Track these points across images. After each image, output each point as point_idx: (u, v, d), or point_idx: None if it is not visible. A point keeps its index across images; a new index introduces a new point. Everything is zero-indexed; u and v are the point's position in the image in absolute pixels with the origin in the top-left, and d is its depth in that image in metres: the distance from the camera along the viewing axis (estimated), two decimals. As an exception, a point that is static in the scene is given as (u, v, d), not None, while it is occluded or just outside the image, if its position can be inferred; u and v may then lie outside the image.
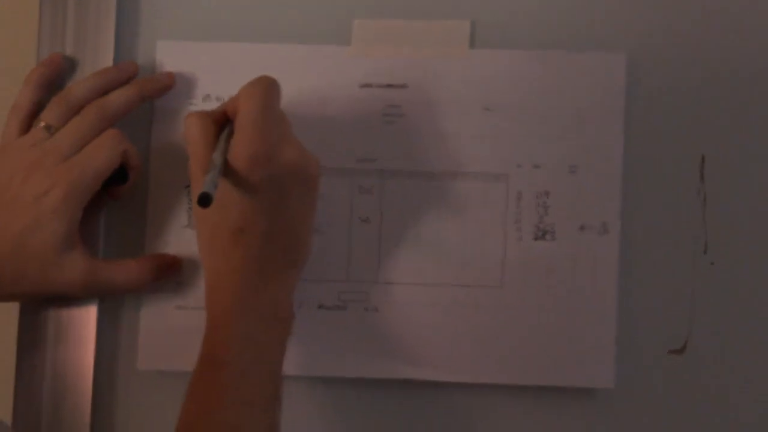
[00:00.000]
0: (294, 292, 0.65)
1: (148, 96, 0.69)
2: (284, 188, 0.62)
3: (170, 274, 0.69)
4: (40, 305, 0.69)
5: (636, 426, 0.70)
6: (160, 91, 0.70)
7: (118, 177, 0.68)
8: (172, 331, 0.69)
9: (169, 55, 0.70)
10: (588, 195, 0.69)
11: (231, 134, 0.62)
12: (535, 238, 0.69)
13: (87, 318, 0.69)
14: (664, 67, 0.70)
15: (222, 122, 0.64)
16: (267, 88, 0.62)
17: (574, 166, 0.69)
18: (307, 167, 0.63)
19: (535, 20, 0.70)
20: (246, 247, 0.61)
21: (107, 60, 0.70)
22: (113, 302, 0.70)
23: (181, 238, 0.70)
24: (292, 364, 0.68)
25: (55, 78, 0.70)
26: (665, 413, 0.70)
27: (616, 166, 0.69)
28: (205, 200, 0.56)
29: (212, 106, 0.68)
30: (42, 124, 0.66)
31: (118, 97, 0.68)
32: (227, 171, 0.60)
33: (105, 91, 0.68)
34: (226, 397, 0.60)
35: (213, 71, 0.70)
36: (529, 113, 0.69)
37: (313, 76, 0.70)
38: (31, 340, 0.69)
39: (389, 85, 0.70)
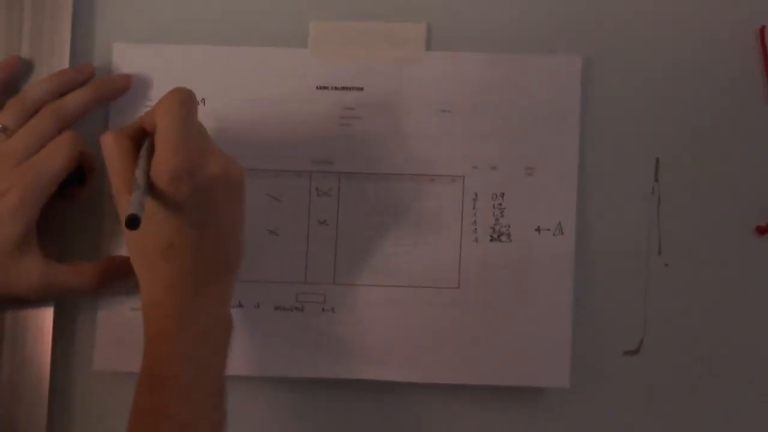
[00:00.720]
0: (231, 299, 0.65)
1: (105, 98, 0.69)
2: (211, 199, 0.61)
3: (126, 277, 0.69)
4: (-3, 307, 0.69)
5: (591, 426, 0.70)
6: (117, 93, 0.70)
7: (74, 179, 0.67)
8: (129, 333, 0.69)
9: (126, 58, 0.70)
10: (544, 196, 0.69)
11: (151, 150, 0.61)
12: (491, 240, 0.70)
13: (43, 319, 0.69)
14: (620, 70, 0.71)
15: (140, 138, 0.63)
16: (183, 101, 0.61)
17: (530, 167, 0.70)
18: (232, 174, 0.62)
19: (491, 23, 0.71)
20: (178, 262, 0.61)
21: (63, 62, 0.70)
22: (69, 303, 0.70)
23: (138, 240, 0.69)
24: (248, 364, 0.69)
25: (10, 80, 0.69)
26: (620, 413, 0.70)
27: (571, 168, 0.70)
28: (133, 222, 0.55)
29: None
30: (-2, 126, 0.66)
31: (74, 99, 0.68)
32: (151, 189, 0.59)
33: (61, 93, 0.68)
34: (171, 413, 0.60)
35: (169, 73, 0.70)
36: (485, 115, 0.70)
37: (269, 78, 0.70)
38: (-13, 342, 0.69)
39: (346, 88, 0.70)
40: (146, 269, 0.62)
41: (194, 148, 0.60)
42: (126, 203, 0.59)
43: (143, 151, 0.61)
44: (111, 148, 0.62)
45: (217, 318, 0.63)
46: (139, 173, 0.59)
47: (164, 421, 0.60)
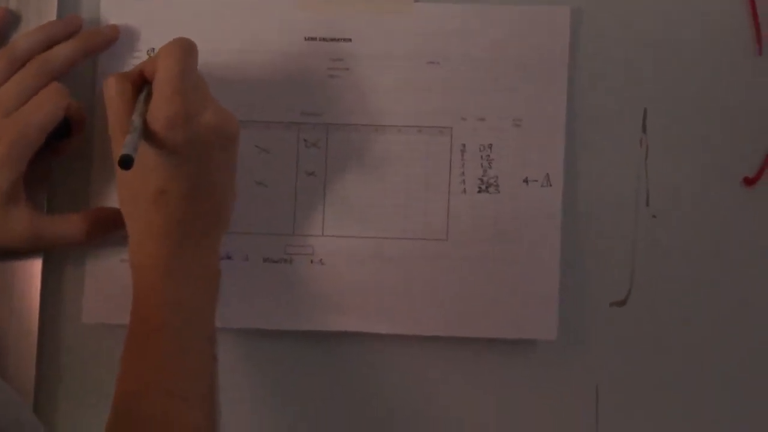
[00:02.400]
0: (219, 250, 0.65)
1: (92, 50, 0.69)
2: (204, 149, 0.61)
3: (114, 228, 0.69)
4: (-15, 258, 0.69)
5: (577, 378, 0.70)
6: (104, 44, 0.69)
7: (62, 131, 0.67)
8: (117, 285, 0.69)
9: (113, 9, 0.70)
10: (532, 148, 0.69)
11: (149, 96, 0.61)
12: (479, 191, 0.70)
13: (32, 271, 0.69)
14: (608, 21, 0.71)
15: (140, 83, 0.63)
16: (184, 50, 0.61)
17: (518, 119, 0.70)
18: (227, 127, 0.62)
19: (479, -26, 0.70)
20: (168, 209, 0.61)
21: (51, 14, 0.70)
22: (58, 255, 0.70)
23: (127, 192, 0.69)
24: (236, 317, 0.69)
25: (-2, 33, 0.69)
26: (607, 365, 0.70)
27: (559, 120, 0.69)
28: (126, 162, 0.56)
29: (157, 59, 0.68)
30: (-16, 78, 0.66)
31: (61, 51, 0.67)
32: (146, 133, 0.60)
33: (49, 46, 0.68)
34: (163, 361, 0.61)
35: (157, 24, 0.70)
36: (473, 67, 0.70)
37: (257, 28, 0.70)
38: (-24, 294, 0.69)
39: (334, 39, 0.70)
40: (136, 216, 0.62)
41: (191, 96, 0.61)
42: (120, 145, 0.59)
43: (141, 96, 0.62)
44: (112, 90, 0.62)
45: (205, 268, 0.64)
46: (135, 116, 0.60)
47: (154, 369, 0.61)
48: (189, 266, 0.62)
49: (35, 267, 0.69)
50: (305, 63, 0.70)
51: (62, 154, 0.69)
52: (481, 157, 0.69)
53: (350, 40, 0.70)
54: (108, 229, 0.69)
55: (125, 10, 0.70)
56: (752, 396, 0.70)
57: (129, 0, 0.70)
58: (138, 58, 0.70)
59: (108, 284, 0.69)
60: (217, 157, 0.63)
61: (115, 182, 0.68)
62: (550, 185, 0.69)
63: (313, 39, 0.70)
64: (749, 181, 0.70)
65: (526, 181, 0.69)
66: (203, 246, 0.63)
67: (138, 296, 0.62)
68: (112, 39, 0.70)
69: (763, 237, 0.70)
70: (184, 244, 0.62)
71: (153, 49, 0.70)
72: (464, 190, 0.69)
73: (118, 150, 0.60)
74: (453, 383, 0.70)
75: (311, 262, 0.70)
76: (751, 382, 0.70)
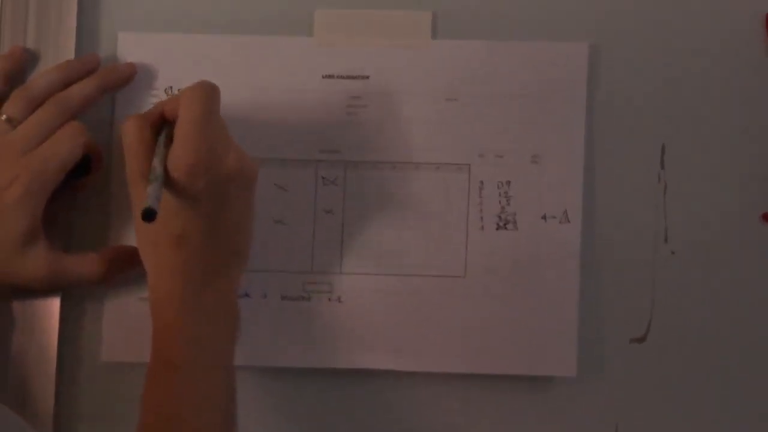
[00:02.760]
0: (238, 289, 0.65)
1: (110, 88, 0.69)
2: (224, 193, 0.62)
3: (133, 266, 0.69)
4: (3, 297, 0.69)
5: (598, 414, 0.70)
6: (122, 82, 0.70)
7: (81, 169, 0.68)
8: (136, 323, 0.69)
9: (131, 47, 0.70)
10: (550, 184, 0.69)
11: (169, 139, 0.61)
12: (498, 228, 0.69)
13: (50, 309, 0.69)
14: (626, 57, 0.71)
15: (158, 124, 0.63)
16: (207, 95, 0.61)
17: (536, 155, 0.69)
18: (247, 171, 0.63)
19: (496, 10, 0.71)
20: (187, 251, 0.62)
21: (69, 52, 0.70)
22: (76, 294, 0.70)
23: (145, 230, 0.69)
24: (254, 354, 0.69)
25: (16, 71, 0.69)
26: (627, 401, 0.70)
27: (577, 156, 0.69)
28: (149, 215, 0.56)
29: (175, 97, 0.69)
30: (3, 117, 0.66)
31: (79, 90, 0.68)
32: (167, 179, 0.60)
33: (66, 84, 0.68)
34: (183, 400, 0.61)
35: (175, 62, 0.70)
36: (491, 103, 0.70)
37: (275, 67, 0.70)
38: (-5, 332, 0.69)
39: (351, 77, 0.70)
40: (155, 258, 0.63)
41: (213, 144, 0.61)
42: (139, 190, 0.60)
43: (161, 140, 0.62)
44: (131, 133, 0.62)
45: (224, 307, 0.64)
46: (156, 162, 0.60)
47: (174, 408, 0.61)
48: (207, 304, 0.63)
49: (54, 305, 0.69)
50: (323, 100, 0.70)
51: (81, 191, 0.69)
52: (499, 193, 0.69)
53: (368, 77, 0.70)
54: (126, 267, 0.69)
55: (143, 49, 0.70)
56: (773, 432, 0.70)
57: (146, 38, 0.70)
58: (155, 96, 0.70)
59: (126, 322, 0.69)
60: (236, 199, 0.63)
61: (133, 219, 0.69)
62: (569, 222, 0.69)
63: (330, 76, 0.70)
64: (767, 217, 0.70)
65: (544, 217, 0.69)
66: (222, 284, 0.64)
67: (157, 334, 0.63)
68: (130, 77, 0.70)
69: (783, 272, 0.70)
70: (202, 283, 0.62)
71: (171, 87, 0.70)
72: (482, 227, 0.69)
73: (137, 195, 0.60)
74: (472, 420, 0.70)
75: (329, 299, 0.70)
76: (771, 418, 0.70)
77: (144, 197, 0.58)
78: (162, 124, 0.64)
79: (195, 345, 0.62)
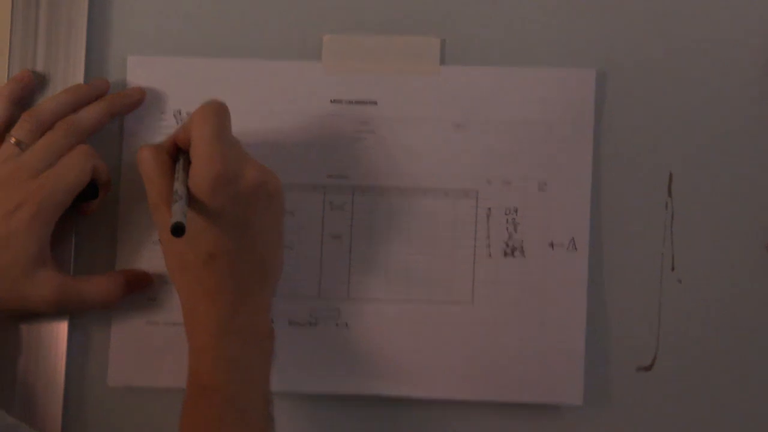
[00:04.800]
0: (270, 307, 0.65)
1: (119, 112, 0.69)
2: (248, 208, 0.62)
3: (141, 289, 0.69)
4: (11, 320, 0.69)
5: (604, 442, 0.70)
6: (131, 106, 0.70)
7: (89, 193, 0.68)
8: (143, 347, 0.69)
9: (140, 71, 0.70)
10: (557, 211, 0.69)
11: (187, 163, 0.62)
12: (505, 255, 0.70)
13: (58, 333, 0.69)
14: (633, 84, 0.71)
15: (174, 153, 0.64)
16: (217, 113, 0.62)
17: (543, 182, 0.70)
18: (268, 184, 0.63)
19: (504, 37, 0.71)
20: (218, 271, 0.62)
21: (78, 76, 0.70)
22: (84, 318, 0.70)
23: (152, 253, 0.70)
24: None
25: (25, 94, 0.70)
26: (633, 431, 0.70)
27: (585, 183, 0.69)
28: (178, 229, 0.57)
29: (183, 121, 0.69)
30: (13, 140, 0.66)
31: (88, 114, 0.68)
32: (190, 199, 0.60)
33: (75, 108, 0.68)
34: (221, 423, 0.61)
35: (184, 86, 0.70)
36: (499, 130, 0.70)
37: (283, 91, 0.70)
38: (2, 356, 0.69)
39: (360, 102, 0.70)
40: (187, 281, 0.63)
41: (230, 157, 0.61)
42: (164, 215, 0.60)
43: (180, 164, 0.63)
44: (148, 161, 0.63)
45: (258, 326, 0.64)
46: (178, 185, 0.60)
47: (212, 430, 0.60)
48: (242, 325, 0.63)
49: (61, 329, 0.69)
50: (331, 126, 0.70)
51: (88, 214, 0.69)
52: (507, 220, 0.70)
53: (376, 103, 0.70)
54: (134, 290, 0.69)
55: (151, 73, 0.70)
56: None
57: (155, 63, 0.70)
58: (164, 120, 0.70)
59: (133, 347, 0.69)
60: (262, 214, 0.63)
61: (141, 243, 0.69)
62: (576, 249, 0.69)
63: (339, 102, 0.70)
64: (775, 246, 0.70)
65: (551, 245, 0.69)
66: (255, 303, 0.64)
67: (193, 358, 0.63)
68: (139, 101, 0.70)
69: (789, 301, 0.70)
70: (235, 303, 0.62)
71: (180, 111, 0.70)
72: (489, 254, 0.69)
73: (162, 220, 0.61)
74: (478, 446, 0.70)
75: (336, 325, 0.70)
76: (777, 447, 0.70)
77: (169, 218, 0.58)
78: (178, 152, 0.64)
79: (231, 367, 0.62)
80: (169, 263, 0.64)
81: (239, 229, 0.62)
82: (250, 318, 0.63)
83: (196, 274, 0.62)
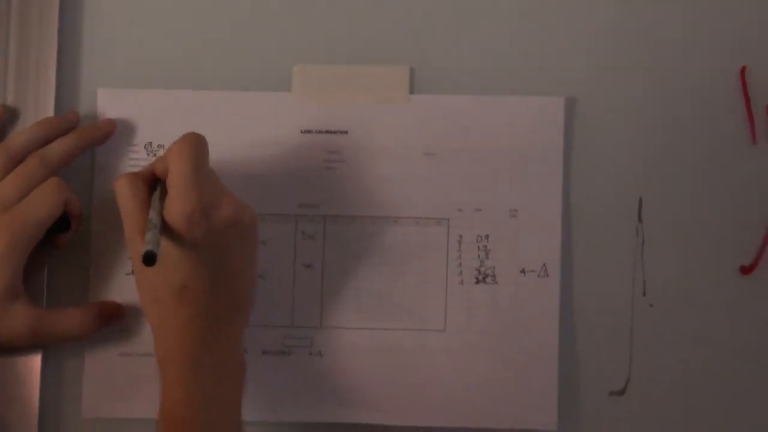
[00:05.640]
0: (242, 340, 0.65)
1: (90, 144, 0.70)
2: (223, 241, 0.62)
3: (114, 321, 0.69)
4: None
5: (578, 467, 0.70)
6: (102, 138, 0.70)
7: (60, 225, 0.68)
8: (117, 379, 0.69)
9: (110, 103, 0.70)
10: (528, 238, 0.70)
11: (164, 193, 0.62)
12: (477, 282, 0.70)
13: (31, 365, 0.69)
14: (602, 111, 0.71)
15: (151, 182, 0.64)
16: (195, 146, 0.62)
17: (514, 209, 0.70)
18: (244, 217, 0.63)
19: (474, 66, 0.71)
20: (191, 303, 0.62)
21: (48, 109, 0.70)
22: (57, 349, 0.70)
23: (125, 285, 0.70)
24: (236, 410, 0.69)
25: (-5, 128, 0.70)
26: (606, 454, 0.70)
27: (555, 209, 0.70)
28: (149, 258, 0.57)
29: (154, 153, 0.69)
30: (-17, 174, 0.66)
31: (59, 146, 0.68)
32: (165, 230, 0.60)
33: (46, 141, 0.68)
34: None
35: (154, 118, 0.70)
36: (469, 158, 0.70)
37: (254, 122, 0.70)
38: (-24, 389, 0.69)
39: (330, 131, 0.70)
40: (159, 314, 0.63)
41: (207, 191, 0.61)
42: (138, 247, 0.60)
43: (156, 194, 0.62)
44: (125, 190, 0.63)
45: (229, 358, 0.64)
46: (153, 213, 0.60)
47: None
48: (213, 358, 0.62)
49: (35, 362, 0.69)
50: (302, 155, 0.70)
51: (60, 247, 0.69)
52: (478, 247, 0.70)
53: (346, 132, 0.70)
54: (108, 322, 0.69)
55: (122, 104, 0.70)
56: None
57: (125, 94, 0.71)
58: (135, 152, 0.70)
59: (107, 379, 0.69)
60: (237, 247, 0.63)
61: (113, 275, 0.70)
62: (548, 275, 0.69)
63: (309, 131, 0.70)
64: (745, 270, 0.70)
65: (523, 271, 0.70)
66: (228, 335, 0.64)
67: (164, 390, 0.62)
68: (109, 133, 0.70)
69: (761, 325, 0.70)
70: (208, 335, 0.62)
71: (150, 143, 0.70)
72: (462, 281, 0.70)
73: (136, 249, 0.61)
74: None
75: (309, 353, 0.70)
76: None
77: (142, 247, 0.58)
78: (155, 182, 0.64)
79: (202, 399, 0.62)
80: (141, 294, 0.64)
81: (213, 261, 0.62)
82: (223, 350, 0.63)
83: (168, 307, 0.62)
